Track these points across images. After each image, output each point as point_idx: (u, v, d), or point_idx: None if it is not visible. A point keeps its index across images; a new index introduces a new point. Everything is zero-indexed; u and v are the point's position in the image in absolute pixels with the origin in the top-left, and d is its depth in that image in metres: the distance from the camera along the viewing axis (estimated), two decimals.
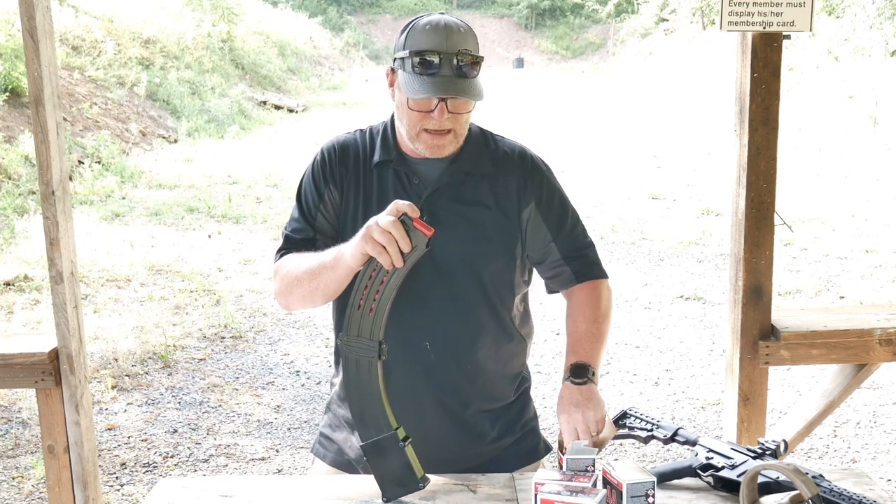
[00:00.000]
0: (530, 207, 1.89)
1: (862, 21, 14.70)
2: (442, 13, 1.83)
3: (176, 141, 12.33)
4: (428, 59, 1.74)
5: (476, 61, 1.77)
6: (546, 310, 5.57)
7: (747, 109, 2.52)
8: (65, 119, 10.10)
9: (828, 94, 13.89)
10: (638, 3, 30.67)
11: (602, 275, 1.99)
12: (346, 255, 1.69)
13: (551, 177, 1.96)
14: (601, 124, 15.43)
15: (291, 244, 1.90)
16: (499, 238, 1.87)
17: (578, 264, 1.96)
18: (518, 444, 1.98)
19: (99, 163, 9.82)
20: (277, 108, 16.89)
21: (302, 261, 1.83)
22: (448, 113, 1.77)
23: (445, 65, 1.74)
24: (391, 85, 1.85)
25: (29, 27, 2.36)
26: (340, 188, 1.89)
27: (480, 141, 1.92)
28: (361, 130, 1.96)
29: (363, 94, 20.21)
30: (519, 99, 19.72)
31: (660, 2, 28.20)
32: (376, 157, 1.88)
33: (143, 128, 12.00)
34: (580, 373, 1.85)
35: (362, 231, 1.64)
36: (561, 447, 1.76)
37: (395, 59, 1.81)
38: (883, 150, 10.98)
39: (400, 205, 1.62)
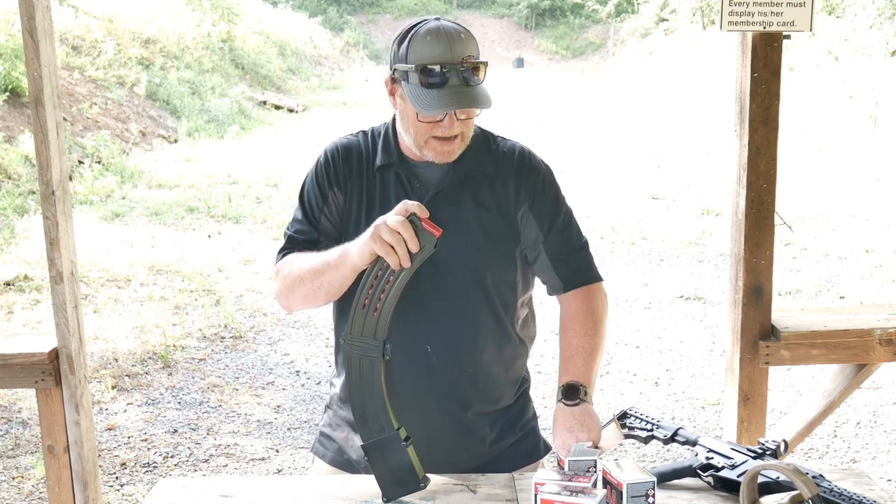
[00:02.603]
0: (524, 207, 1.89)
1: (862, 21, 14.70)
2: (438, 18, 1.79)
3: (176, 141, 12.33)
4: (435, 71, 1.71)
5: (481, 67, 1.75)
6: (546, 309, 5.52)
7: (747, 109, 2.52)
8: (65, 119, 10.10)
9: (828, 94, 13.88)
10: (638, 3, 30.66)
11: (593, 279, 1.95)
12: (353, 254, 1.69)
13: (549, 176, 1.94)
14: (601, 124, 15.43)
15: (294, 245, 1.89)
16: (499, 240, 1.86)
17: (565, 269, 1.93)
18: (518, 445, 1.97)
19: (99, 163, 9.82)
20: (277, 108, 16.88)
21: (305, 260, 1.82)
22: (458, 120, 1.77)
23: (453, 76, 1.71)
24: (391, 94, 1.83)
25: (29, 27, 2.36)
26: (344, 190, 1.89)
27: (482, 142, 1.91)
28: (364, 132, 1.95)
29: (363, 94, 20.20)
30: (519, 99, 19.71)
31: (660, 2, 28.19)
32: (378, 161, 1.88)
33: (143, 128, 12.00)
34: (572, 394, 1.83)
35: (371, 230, 1.64)
36: (560, 465, 1.76)
37: (397, 69, 1.77)
38: (883, 150, 10.97)
39: (409, 205, 1.62)
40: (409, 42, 1.75)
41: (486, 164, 1.88)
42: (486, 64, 1.77)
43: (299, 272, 1.81)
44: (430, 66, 1.71)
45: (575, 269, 1.94)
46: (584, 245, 1.97)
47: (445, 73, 1.71)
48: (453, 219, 1.83)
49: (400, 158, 1.87)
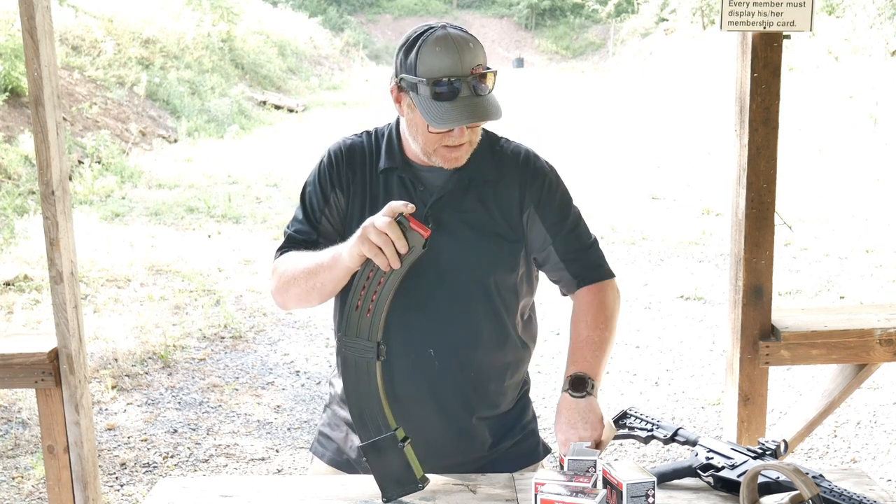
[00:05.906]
0: (529, 210, 1.88)
1: (862, 21, 14.71)
2: (444, 26, 1.75)
3: (176, 141, 12.33)
4: (445, 84, 1.69)
5: (490, 76, 1.73)
6: (546, 309, 5.55)
7: (747, 109, 2.52)
8: (65, 119, 10.10)
9: (828, 94, 13.88)
10: (638, 3, 30.68)
11: (605, 276, 1.96)
12: (344, 256, 1.69)
13: (554, 178, 1.93)
14: (601, 124, 15.43)
15: (293, 244, 1.89)
16: (503, 244, 1.86)
17: (577, 267, 1.93)
18: (517, 446, 1.97)
19: (99, 163, 9.82)
20: (277, 108, 16.88)
21: (300, 260, 1.82)
22: (467, 129, 1.76)
23: (463, 87, 1.69)
24: (398, 101, 1.79)
25: (29, 27, 2.36)
26: (347, 193, 1.88)
27: (486, 145, 1.89)
28: (368, 132, 1.94)
29: (363, 94, 20.19)
30: (519, 99, 19.71)
31: (660, 2, 28.21)
32: (382, 164, 1.87)
33: (143, 128, 12.00)
34: (579, 386, 1.83)
35: (359, 232, 1.64)
36: (561, 464, 1.76)
37: (404, 79, 1.74)
38: (883, 150, 10.97)
39: (395, 205, 1.61)
40: (417, 52, 1.72)
41: (490, 168, 1.88)
42: (495, 73, 1.75)
43: (294, 272, 1.81)
44: (440, 79, 1.69)
45: (587, 266, 1.95)
46: (594, 243, 1.98)
47: (455, 84, 1.69)
48: (457, 222, 1.83)
49: (404, 163, 1.86)
